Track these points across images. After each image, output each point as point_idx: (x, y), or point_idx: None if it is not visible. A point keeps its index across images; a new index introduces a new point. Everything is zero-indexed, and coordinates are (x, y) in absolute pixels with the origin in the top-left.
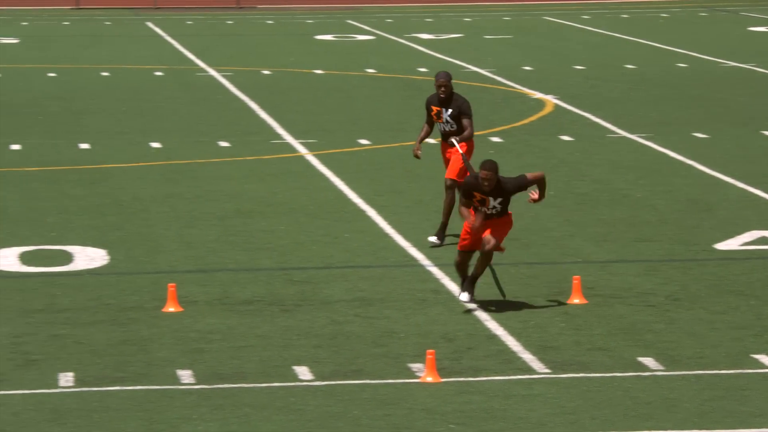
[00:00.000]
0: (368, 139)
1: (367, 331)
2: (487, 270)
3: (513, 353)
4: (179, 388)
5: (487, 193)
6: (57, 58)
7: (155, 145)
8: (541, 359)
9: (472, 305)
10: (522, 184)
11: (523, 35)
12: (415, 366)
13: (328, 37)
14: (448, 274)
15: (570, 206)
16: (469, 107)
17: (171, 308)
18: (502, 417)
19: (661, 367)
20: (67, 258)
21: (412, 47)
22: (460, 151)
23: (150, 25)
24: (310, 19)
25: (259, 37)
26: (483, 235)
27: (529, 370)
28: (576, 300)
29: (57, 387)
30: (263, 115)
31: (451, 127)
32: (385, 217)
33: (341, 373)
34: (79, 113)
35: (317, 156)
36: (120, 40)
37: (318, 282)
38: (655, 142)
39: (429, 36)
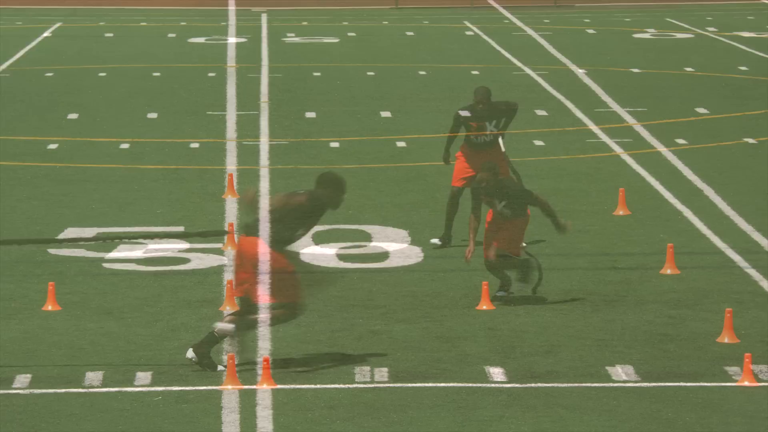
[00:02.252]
0: (684, 139)
1: (683, 332)
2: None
3: None
4: (492, 386)
5: (489, 193)
6: (376, 57)
7: None
8: None
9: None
10: (526, 194)
11: None
12: (732, 369)
13: (646, 35)
14: (765, 276)
15: None
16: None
17: (484, 306)
18: None
19: None
20: (383, 255)
21: (733, 45)
22: (503, 149)
23: (467, 24)
24: (627, 17)
25: (576, 35)
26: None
27: None
28: None
29: (372, 382)
30: (579, 114)
31: (490, 138)
32: (701, 218)
33: (656, 375)
34: (396, 112)
35: (631, 155)
36: (437, 40)
37: (631, 282)
38: None
39: (750, 34)
